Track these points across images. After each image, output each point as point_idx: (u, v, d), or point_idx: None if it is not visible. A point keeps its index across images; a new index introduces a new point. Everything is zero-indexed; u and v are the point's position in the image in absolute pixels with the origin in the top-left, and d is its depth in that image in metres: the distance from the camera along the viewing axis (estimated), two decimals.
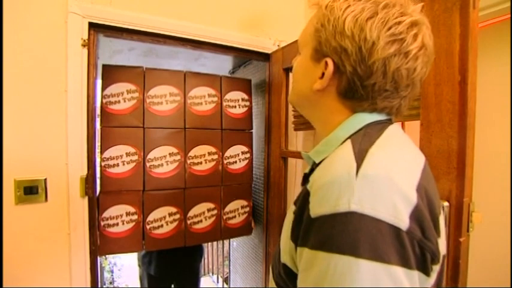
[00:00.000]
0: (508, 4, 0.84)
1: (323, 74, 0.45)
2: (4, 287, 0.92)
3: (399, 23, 0.40)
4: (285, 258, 0.44)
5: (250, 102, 1.61)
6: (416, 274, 0.34)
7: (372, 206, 0.33)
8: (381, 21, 0.39)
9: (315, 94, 0.47)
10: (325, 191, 0.36)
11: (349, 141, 0.41)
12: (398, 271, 0.32)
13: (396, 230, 0.33)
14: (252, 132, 1.62)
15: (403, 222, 0.33)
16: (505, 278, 1.00)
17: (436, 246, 0.36)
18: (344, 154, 0.39)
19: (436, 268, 0.38)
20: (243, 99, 1.58)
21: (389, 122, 0.47)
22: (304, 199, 0.39)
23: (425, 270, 0.35)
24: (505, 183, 1.04)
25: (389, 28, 0.39)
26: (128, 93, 1.28)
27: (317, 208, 0.36)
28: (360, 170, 0.35)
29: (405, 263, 0.33)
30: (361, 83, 0.42)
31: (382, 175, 0.35)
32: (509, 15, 0.90)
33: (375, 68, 0.40)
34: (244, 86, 1.59)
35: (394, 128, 0.45)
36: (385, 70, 0.40)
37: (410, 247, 0.33)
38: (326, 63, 0.44)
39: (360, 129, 0.43)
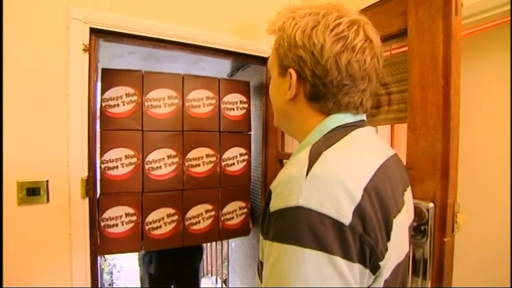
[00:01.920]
0: (495, 12, 0.86)
1: (290, 84, 0.50)
2: (4, 287, 0.94)
3: (339, 24, 0.46)
4: (261, 255, 0.47)
5: (249, 105, 1.62)
6: (357, 266, 0.37)
7: (317, 202, 0.37)
8: (323, 26, 0.46)
9: (289, 105, 0.52)
10: (280, 189, 0.41)
11: (311, 145, 0.45)
12: (340, 261, 0.36)
13: (339, 224, 0.36)
14: (250, 134, 1.64)
15: (346, 217, 0.37)
16: (498, 278, 1.01)
17: (376, 243, 0.39)
18: (301, 156, 0.43)
19: (385, 266, 0.40)
20: (241, 102, 1.60)
21: (358, 125, 0.50)
22: (268, 197, 0.43)
23: (365, 264, 0.38)
24: (498, 184, 1.05)
25: (332, 30, 0.46)
26: (126, 97, 1.31)
27: (274, 203, 0.40)
28: (310, 170, 0.39)
29: (346, 255, 0.36)
30: (321, 81, 0.47)
31: (330, 175, 0.39)
32: (495, 22, 0.92)
33: (329, 65, 0.46)
34: (243, 88, 1.61)
35: (360, 131, 0.49)
36: (338, 65, 0.46)
37: (352, 241, 0.37)
38: (290, 74, 0.49)
39: (326, 134, 0.48)
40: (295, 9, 0.50)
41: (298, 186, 0.38)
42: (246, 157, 1.60)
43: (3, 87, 0.97)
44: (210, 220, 1.50)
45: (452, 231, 0.66)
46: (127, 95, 1.32)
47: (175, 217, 1.40)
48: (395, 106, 0.82)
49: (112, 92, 1.29)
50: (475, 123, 1.09)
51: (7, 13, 0.97)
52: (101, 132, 1.27)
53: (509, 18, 0.91)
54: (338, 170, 0.39)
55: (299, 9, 0.50)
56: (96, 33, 1.14)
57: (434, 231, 0.66)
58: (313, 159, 0.40)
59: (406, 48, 0.76)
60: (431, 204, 0.66)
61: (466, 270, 0.86)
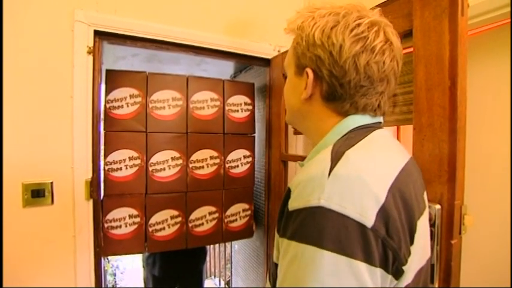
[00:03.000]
0: (498, 13, 0.85)
1: (307, 84, 0.49)
2: (4, 287, 0.94)
3: (359, 24, 0.45)
4: (275, 257, 0.46)
5: (253, 106, 1.62)
6: (378, 271, 0.36)
7: (339, 203, 0.35)
8: (343, 26, 0.45)
9: (304, 104, 0.51)
10: (301, 188, 0.39)
11: (331, 145, 0.44)
12: (361, 266, 0.34)
13: (361, 226, 0.35)
14: (254, 136, 1.63)
15: (368, 220, 0.35)
16: (502, 279, 1.00)
17: (399, 246, 0.37)
18: (323, 156, 0.42)
19: (407, 271, 0.39)
20: (245, 103, 1.59)
21: (376, 126, 0.49)
22: (286, 195, 0.42)
23: (387, 268, 0.37)
24: (502, 185, 1.05)
25: (352, 30, 0.45)
26: (130, 98, 1.31)
27: (294, 202, 0.39)
28: (333, 170, 0.38)
29: (368, 259, 0.35)
30: (339, 82, 0.46)
31: (353, 175, 0.38)
32: (498, 23, 0.91)
33: (347, 66, 0.45)
34: (247, 89, 1.61)
35: (379, 132, 0.48)
36: (357, 66, 0.45)
37: (375, 244, 0.35)
38: (307, 73, 0.48)
39: (346, 134, 0.47)
40: (314, 9, 0.49)
41: (320, 186, 0.37)
42: (250, 159, 1.60)
43: (9, 89, 0.98)
44: (214, 222, 1.49)
45: (460, 233, 0.65)
46: (131, 96, 1.32)
47: (179, 219, 1.40)
48: (400, 107, 0.82)
49: (116, 93, 1.29)
50: (480, 124, 1.09)
51: (12, 16, 0.98)
52: (104, 133, 1.27)
53: (510, 20, 0.91)
54: (361, 170, 0.38)
55: (319, 8, 0.49)
56: (100, 35, 1.14)
57: (441, 233, 0.65)
58: (335, 159, 0.39)
59: (411, 49, 0.76)
60: (438, 206, 0.66)
61: (472, 271, 0.85)
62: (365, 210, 0.35)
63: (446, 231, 0.65)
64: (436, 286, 0.65)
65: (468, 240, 0.69)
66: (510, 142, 1.02)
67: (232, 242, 2.28)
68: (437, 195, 0.66)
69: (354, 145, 0.42)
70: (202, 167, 1.46)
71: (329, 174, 0.38)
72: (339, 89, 0.46)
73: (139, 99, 1.33)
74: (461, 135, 0.64)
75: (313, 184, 0.38)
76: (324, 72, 0.47)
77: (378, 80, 0.46)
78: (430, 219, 0.66)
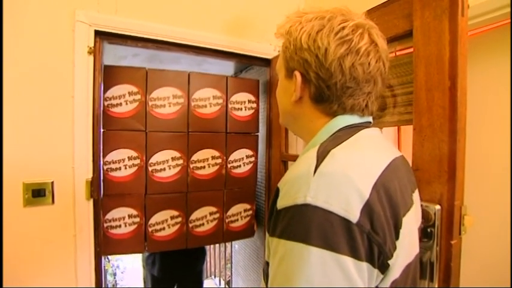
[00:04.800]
0: (498, 13, 0.85)
1: (296, 86, 0.51)
2: (4, 287, 0.94)
3: (343, 27, 0.47)
4: (267, 255, 0.47)
5: (257, 104, 1.57)
6: (365, 265, 0.37)
7: (325, 200, 0.37)
8: (328, 30, 0.47)
9: (295, 107, 0.53)
10: (288, 186, 0.41)
11: (318, 144, 0.45)
12: (347, 260, 0.35)
13: (347, 222, 0.36)
14: (257, 135, 1.60)
15: (353, 215, 0.36)
16: (501, 279, 1.00)
17: (384, 241, 0.38)
18: (309, 154, 0.43)
19: (394, 265, 0.40)
20: (249, 101, 1.55)
21: (364, 126, 0.51)
22: (275, 194, 0.43)
23: (373, 263, 0.38)
24: (503, 185, 1.05)
25: (336, 33, 0.47)
26: (129, 96, 1.28)
27: (281, 201, 0.41)
28: (318, 167, 0.39)
29: (354, 254, 0.36)
30: (325, 84, 0.48)
31: (339, 172, 0.39)
32: (497, 24, 0.91)
33: (333, 68, 0.46)
34: (252, 86, 1.56)
35: (366, 131, 0.49)
36: (342, 68, 0.46)
37: (360, 239, 0.36)
38: (295, 76, 0.50)
39: (333, 134, 0.49)
40: (302, 14, 0.51)
41: (306, 184, 0.38)
42: (252, 159, 1.57)
43: (9, 89, 0.98)
44: (214, 222, 1.49)
45: (460, 234, 0.65)
46: (130, 93, 1.28)
47: (179, 219, 1.40)
48: (400, 108, 0.82)
49: (114, 91, 1.25)
50: (480, 125, 1.09)
51: (12, 16, 0.98)
52: (103, 132, 1.24)
53: (510, 20, 0.91)
54: (346, 167, 0.40)
55: (306, 13, 0.51)
56: (101, 35, 1.15)
57: (441, 233, 0.65)
58: (321, 157, 0.41)
59: (411, 50, 0.76)
60: (437, 207, 0.66)
61: (472, 272, 0.85)
62: (350, 206, 0.37)
63: (446, 232, 0.65)
64: (436, 286, 0.66)
65: (468, 240, 0.69)
66: (510, 142, 1.02)
67: (233, 242, 2.28)
68: (437, 195, 0.66)
69: (339, 144, 0.44)
70: (204, 167, 1.45)
71: (314, 172, 0.39)
72: (326, 91, 0.48)
73: (138, 96, 1.29)
74: (461, 136, 0.64)
75: (300, 182, 0.39)
76: (311, 74, 0.48)
77: (363, 81, 0.48)
78: (429, 220, 0.66)
